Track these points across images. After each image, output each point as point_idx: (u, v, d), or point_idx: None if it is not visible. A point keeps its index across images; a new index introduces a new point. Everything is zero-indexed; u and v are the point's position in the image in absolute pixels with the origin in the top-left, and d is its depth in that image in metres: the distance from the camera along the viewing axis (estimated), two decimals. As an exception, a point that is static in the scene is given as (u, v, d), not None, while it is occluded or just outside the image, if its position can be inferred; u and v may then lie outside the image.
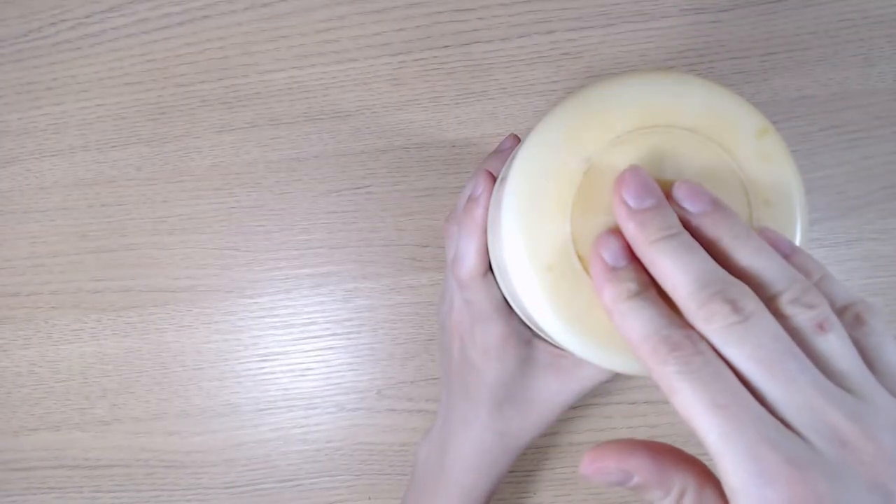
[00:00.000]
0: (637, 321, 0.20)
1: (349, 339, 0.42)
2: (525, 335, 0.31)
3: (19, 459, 0.42)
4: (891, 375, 0.19)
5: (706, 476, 0.20)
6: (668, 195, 0.22)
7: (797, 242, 0.23)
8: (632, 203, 0.21)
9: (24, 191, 0.43)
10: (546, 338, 0.25)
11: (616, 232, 0.22)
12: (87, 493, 0.42)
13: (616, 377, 0.39)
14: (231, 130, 0.42)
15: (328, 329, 0.42)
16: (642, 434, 0.41)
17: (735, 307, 0.18)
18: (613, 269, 0.21)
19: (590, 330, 0.23)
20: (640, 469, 0.20)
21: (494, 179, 0.30)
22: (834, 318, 0.19)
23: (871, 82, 0.40)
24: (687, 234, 0.21)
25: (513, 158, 0.24)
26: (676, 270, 0.20)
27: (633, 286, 0.20)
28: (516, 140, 0.34)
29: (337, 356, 0.42)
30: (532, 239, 0.23)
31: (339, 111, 0.42)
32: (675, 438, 0.40)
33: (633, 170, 0.22)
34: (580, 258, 0.23)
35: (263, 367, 0.42)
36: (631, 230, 0.21)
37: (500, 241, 0.24)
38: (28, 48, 0.43)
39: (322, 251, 0.42)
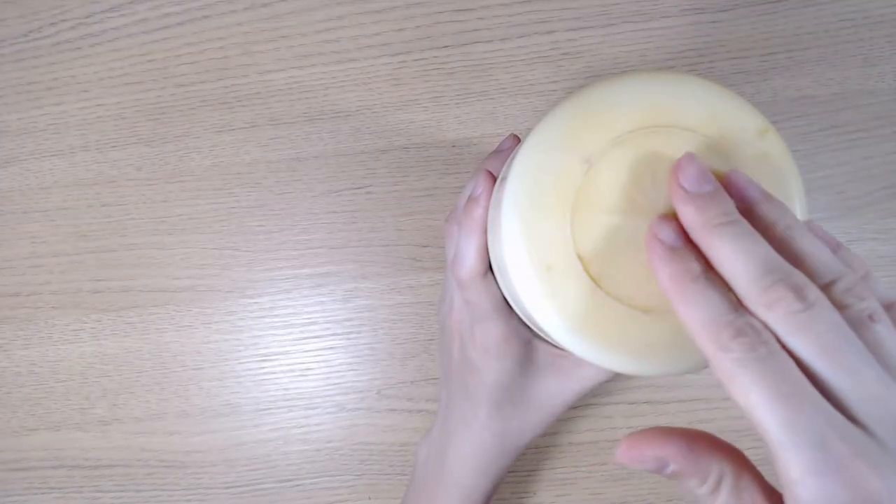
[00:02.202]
0: (699, 305, 0.19)
1: (349, 339, 0.42)
2: (525, 335, 0.31)
3: (19, 459, 0.42)
4: None
5: (743, 464, 0.19)
6: None
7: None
8: (690, 188, 0.21)
9: (24, 191, 0.43)
10: (546, 338, 0.25)
11: (669, 218, 0.22)
12: (87, 493, 0.42)
13: (616, 377, 0.39)
14: (231, 130, 0.42)
15: (328, 329, 0.42)
16: (642, 434, 0.41)
17: (799, 295, 0.18)
18: (673, 250, 0.21)
19: (590, 330, 0.23)
20: (675, 457, 0.19)
21: (494, 179, 0.30)
22: (882, 311, 0.19)
23: (871, 82, 0.40)
24: (746, 222, 0.20)
25: (513, 158, 0.24)
26: (738, 256, 0.19)
27: (696, 267, 0.20)
28: (516, 140, 0.34)
29: (337, 356, 0.42)
30: (532, 239, 0.23)
31: (339, 111, 0.42)
32: (675, 438, 0.40)
33: (690, 156, 0.22)
34: (580, 258, 0.23)
35: (263, 367, 0.42)
36: (690, 214, 0.21)
37: (500, 241, 0.24)
38: (28, 48, 0.42)
39: (322, 251, 0.42)
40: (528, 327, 0.31)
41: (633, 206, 0.23)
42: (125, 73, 0.42)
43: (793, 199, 0.23)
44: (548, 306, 0.23)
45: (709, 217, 0.20)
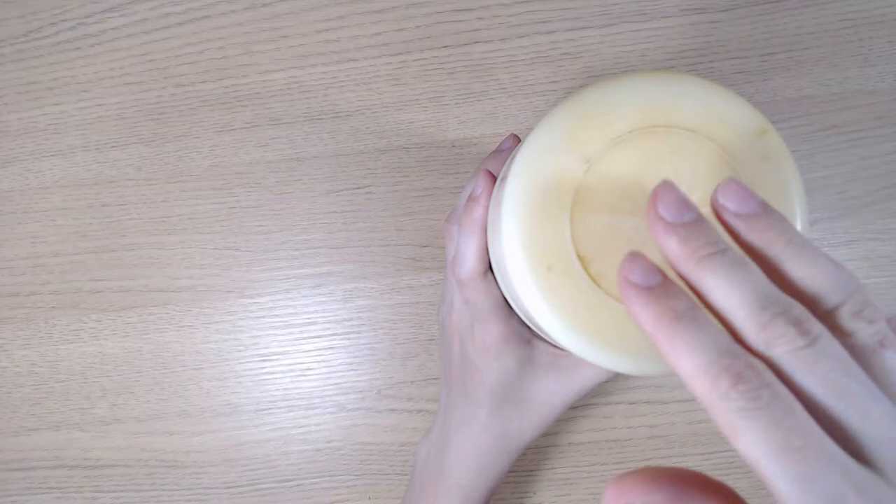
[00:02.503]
0: (689, 348, 0.17)
1: (349, 339, 0.42)
2: (525, 335, 0.31)
3: (19, 459, 0.42)
4: None
5: (735, 503, 0.18)
6: None
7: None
8: (670, 217, 0.19)
9: (24, 191, 0.43)
10: (546, 338, 0.25)
11: (639, 253, 0.19)
12: (87, 493, 0.42)
13: (616, 377, 0.39)
14: (231, 130, 0.42)
15: (328, 329, 0.42)
16: (642, 434, 0.41)
17: (801, 329, 0.17)
18: (649, 290, 0.18)
19: (590, 330, 0.23)
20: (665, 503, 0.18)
21: (494, 179, 0.30)
22: (892, 335, 0.18)
23: (871, 82, 0.40)
24: (736, 250, 0.19)
25: (513, 158, 0.24)
26: (730, 289, 0.18)
27: (678, 304, 0.18)
28: (516, 140, 0.34)
29: (337, 356, 0.42)
30: (532, 239, 0.23)
31: (339, 111, 0.42)
32: (674, 438, 0.40)
33: (667, 184, 0.20)
34: (580, 258, 0.23)
35: (263, 367, 0.42)
36: (673, 247, 0.19)
37: (500, 241, 0.24)
38: (28, 48, 0.42)
39: (322, 251, 0.42)
40: (528, 327, 0.31)
41: (634, 206, 0.23)
42: (125, 73, 0.42)
43: (793, 200, 0.23)
44: (548, 306, 0.23)
45: (694, 248, 0.19)
